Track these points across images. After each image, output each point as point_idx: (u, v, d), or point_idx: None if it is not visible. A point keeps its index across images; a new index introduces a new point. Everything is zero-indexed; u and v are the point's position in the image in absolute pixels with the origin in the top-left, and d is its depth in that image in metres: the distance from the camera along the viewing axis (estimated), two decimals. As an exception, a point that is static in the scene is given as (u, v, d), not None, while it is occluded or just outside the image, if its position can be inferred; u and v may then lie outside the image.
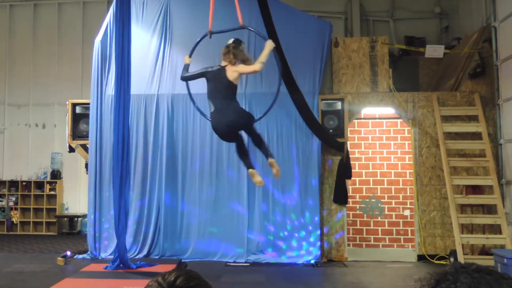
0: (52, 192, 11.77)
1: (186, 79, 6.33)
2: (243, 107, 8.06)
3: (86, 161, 8.89)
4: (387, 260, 8.25)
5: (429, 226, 8.41)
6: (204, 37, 6.48)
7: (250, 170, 5.93)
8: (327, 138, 8.31)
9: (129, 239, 7.98)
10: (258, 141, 5.93)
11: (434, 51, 8.89)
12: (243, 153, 6.00)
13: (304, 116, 8.14)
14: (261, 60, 5.79)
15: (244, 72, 6.00)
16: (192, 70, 6.27)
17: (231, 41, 6.03)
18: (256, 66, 5.82)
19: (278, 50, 7.65)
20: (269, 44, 5.93)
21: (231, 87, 5.85)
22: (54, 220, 11.63)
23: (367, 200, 8.87)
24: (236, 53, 5.89)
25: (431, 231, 8.40)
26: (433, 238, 8.38)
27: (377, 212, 8.83)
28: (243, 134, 6.12)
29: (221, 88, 5.82)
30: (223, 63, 5.94)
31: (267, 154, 5.93)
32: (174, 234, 8.30)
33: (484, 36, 8.81)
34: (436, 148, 8.45)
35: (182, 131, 8.47)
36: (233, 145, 8.33)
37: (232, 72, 5.84)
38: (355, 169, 8.77)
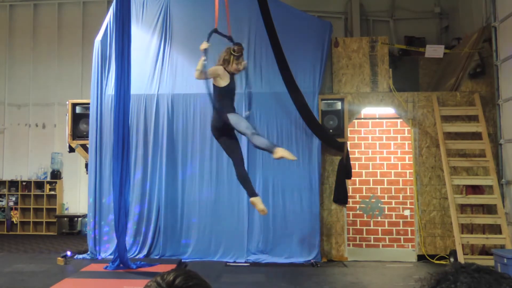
0: (52, 192, 11.77)
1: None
2: (243, 107, 8.13)
3: (86, 161, 8.89)
4: (387, 260, 8.26)
5: (429, 226, 8.41)
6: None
7: (252, 198, 5.65)
8: (327, 138, 8.31)
9: (129, 239, 7.98)
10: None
11: (434, 51, 8.89)
12: (242, 176, 5.74)
13: (304, 116, 8.14)
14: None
15: None
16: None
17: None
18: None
19: (278, 50, 7.68)
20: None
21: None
22: (54, 220, 11.63)
23: (367, 200, 8.87)
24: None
25: (431, 231, 8.40)
26: (433, 238, 8.38)
27: (377, 212, 8.82)
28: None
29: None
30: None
31: None
32: (174, 234, 8.29)
33: (484, 36, 8.80)
34: (436, 148, 8.45)
35: (182, 131, 8.46)
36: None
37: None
38: (355, 169, 8.77)
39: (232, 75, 5.76)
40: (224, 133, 5.76)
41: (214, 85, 5.70)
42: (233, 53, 5.62)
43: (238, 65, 5.65)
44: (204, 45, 5.59)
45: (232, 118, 5.56)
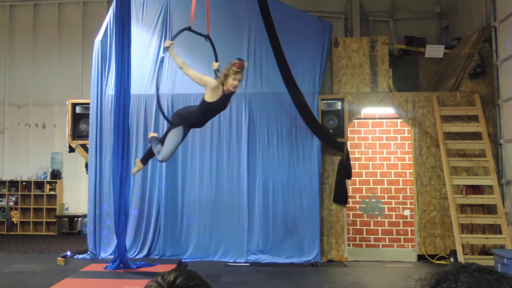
0: (52, 192, 11.77)
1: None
2: (243, 107, 8.12)
3: (86, 161, 8.89)
4: (387, 260, 8.25)
5: (429, 226, 8.41)
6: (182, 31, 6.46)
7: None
8: (327, 138, 8.31)
9: (129, 239, 7.97)
10: None
11: (434, 51, 8.89)
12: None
13: (304, 116, 8.14)
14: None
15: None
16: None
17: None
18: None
19: (278, 50, 7.68)
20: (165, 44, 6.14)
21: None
22: (54, 220, 11.63)
23: (367, 200, 8.86)
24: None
25: (431, 231, 8.40)
26: (433, 238, 8.38)
27: (377, 212, 8.82)
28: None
29: None
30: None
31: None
32: (174, 234, 8.29)
33: (484, 36, 8.80)
34: (436, 148, 8.45)
35: (182, 131, 8.45)
36: (233, 145, 8.38)
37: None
38: (355, 169, 8.77)
39: (226, 96, 5.82)
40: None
41: (203, 98, 5.91)
42: (233, 67, 5.65)
43: (234, 80, 5.67)
44: (167, 43, 6.10)
45: (170, 133, 6.06)
